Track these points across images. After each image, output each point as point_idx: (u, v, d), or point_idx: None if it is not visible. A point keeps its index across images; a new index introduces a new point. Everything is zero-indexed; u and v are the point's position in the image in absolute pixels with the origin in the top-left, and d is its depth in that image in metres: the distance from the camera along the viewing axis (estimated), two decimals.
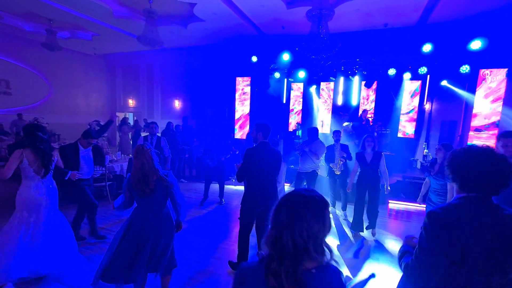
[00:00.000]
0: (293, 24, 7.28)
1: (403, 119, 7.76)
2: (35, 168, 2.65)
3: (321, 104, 8.66)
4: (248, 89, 8.59)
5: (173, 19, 7.79)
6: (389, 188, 4.05)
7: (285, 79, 8.50)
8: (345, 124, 7.24)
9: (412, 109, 7.58)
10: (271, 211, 0.94)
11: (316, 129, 4.67)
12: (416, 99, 7.50)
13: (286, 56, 6.84)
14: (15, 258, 2.50)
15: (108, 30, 8.57)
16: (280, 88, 8.67)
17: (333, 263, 0.91)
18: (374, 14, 6.58)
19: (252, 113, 8.75)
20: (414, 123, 7.55)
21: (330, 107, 8.56)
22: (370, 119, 7.52)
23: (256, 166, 2.89)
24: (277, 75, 7.44)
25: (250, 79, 8.39)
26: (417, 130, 7.47)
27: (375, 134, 6.77)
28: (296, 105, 9.03)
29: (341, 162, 4.71)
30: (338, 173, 4.79)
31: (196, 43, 9.65)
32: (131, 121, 10.79)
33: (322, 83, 8.39)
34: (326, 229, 0.88)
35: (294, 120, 9.01)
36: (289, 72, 7.43)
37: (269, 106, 8.62)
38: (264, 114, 8.48)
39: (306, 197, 0.89)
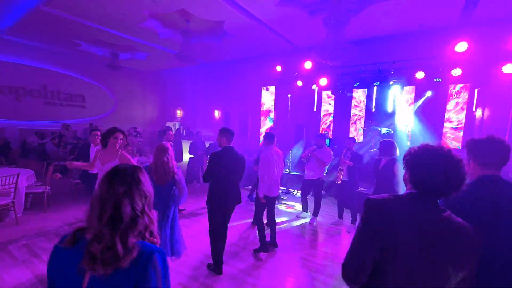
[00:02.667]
0: (318, 31, 7.26)
1: (448, 127, 6.87)
2: None
3: (356, 112, 8.27)
4: (271, 98, 8.76)
5: (208, 36, 8.55)
6: None
7: (316, 87, 8.41)
8: (384, 130, 6.74)
9: (458, 117, 6.66)
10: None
11: (324, 136, 4.58)
12: (461, 104, 6.58)
13: (308, 64, 6.82)
14: None
15: (157, 50, 9.82)
16: (311, 96, 8.60)
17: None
18: (403, 16, 6.15)
19: (280, 122, 8.85)
20: (461, 133, 6.61)
21: (363, 114, 8.11)
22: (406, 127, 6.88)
23: (220, 169, 3.08)
24: (299, 83, 7.44)
25: (275, 88, 8.56)
26: (464, 141, 6.51)
27: (408, 143, 6.17)
28: (327, 113, 8.82)
29: (341, 172, 4.47)
30: (338, 182, 4.54)
31: (231, 57, 10.34)
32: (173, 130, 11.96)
33: (355, 89, 8.04)
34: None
35: (328, 128, 8.80)
36: (313, 80, 7.36)
37: (298, 115, 8.62)
38: (293, 122, 8.50)
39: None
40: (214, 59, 10.78)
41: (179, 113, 13.35)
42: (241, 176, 3.31)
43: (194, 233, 4.33)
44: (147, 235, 0.96)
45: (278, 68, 7.46)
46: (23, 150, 8.48)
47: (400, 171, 3.62)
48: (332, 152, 4.54)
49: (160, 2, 6.38)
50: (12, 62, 9.50)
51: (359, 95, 8.14)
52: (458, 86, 6.50)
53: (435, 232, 1.02)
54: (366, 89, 7.89)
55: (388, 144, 3.76)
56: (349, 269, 1.11)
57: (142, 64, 12.04)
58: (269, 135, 3.72)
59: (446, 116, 6.83)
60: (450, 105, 6.80)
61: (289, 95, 8.11)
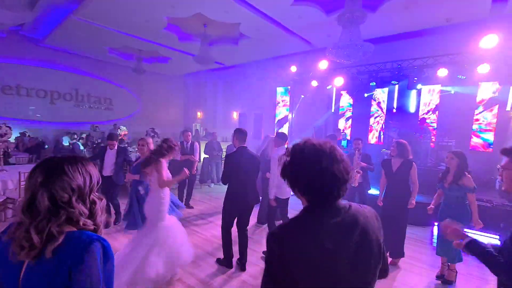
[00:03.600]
0: (334, 29, 7.08)
1: (477, 128, 6.34)
2: None
3: (375, 112, 7.94)
4: (287, 98, 8.67)
5: (225, 39, 8.69)
6: (413, 202, 3.47)
7: (334, 88, 8.21)
8: None
9: (487, 117, 6.12)
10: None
11: (333, 136, 4.44)
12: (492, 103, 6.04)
13: (324, 64, 6.67)
14: None
15: (178, 54, 10.16)
16: (328, 96, 8.41)
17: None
18: (426, 10, 5.79)
19: (296, 123, 8.72)
20: (492, 134, 6.07)
21: (383, 115, 7.75)
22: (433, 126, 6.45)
23: (235, 169, 3.11)
24: (314, 83, 7.28)
25: (290, 88, 8.46)
26: (496, 143, 5.96)
27: (431, 144, 5.79)
28: (346, 113, 8.55)
29: (358, 174, 4.29)
30: (355, 185, 4.36)
31: (247, 59, 10.43)
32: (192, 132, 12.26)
33: (375, 89, 7.73)
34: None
35: (344, 129, 8.53)
36: (329, 80, 7.17)
37: (315, 115, 8.45)
38: (310, 123, 8.34)
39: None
40: (231, 61, 10.93)
41: (199, 114, 13.68)
42: (257, 176, 3.34)
43: (205, 235, 4.39)
44: (81, 225, 0.93)
45: (293, 68, 7.38)
46: (55, 149, 9.16)
47: (416, 173, 3.41)
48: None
49: (178, 7, 6.60)
50: (48, 68, 10.34)
51: (379, 95, 7.80)
52: (488, 84, 5.99)
53: (342, 237, 0.88)
54: (386, 89, 7.55)
55: (404, 145, 3.55)
56: None
57: (165, 68, 12.53)
58: (282, 135, 3.67)
59: (474, 116, 6.32)
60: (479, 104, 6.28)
61: (302, 96, 7.96)
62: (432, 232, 4.51)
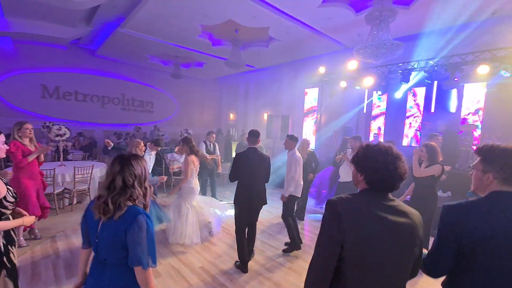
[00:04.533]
0: (364, 29, 6.89)
1: None
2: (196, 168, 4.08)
3: (411, 113, 7.52)
4: (316, 99, 8.58)
5: (256, 43, 8.96)
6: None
7: (365, 89, 7.96)
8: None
9: None
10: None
11: (359, 137, 4.37)
12: None
13: (353, 64, 6.53)
14: None
15: (211, 58, 10.69)
16: (360, 96, 8.18)
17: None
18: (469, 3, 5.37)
19: (326, 124, 8.61)
20: None
21: (420, 115, 7.31)
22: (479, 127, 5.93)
23: (244, 168, 3.23)
24: (343, 84, 7.13)
25: (318, 89, 8.37)
26: None
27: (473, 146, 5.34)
28: (378, 113, 8.22)
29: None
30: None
31: (277, 61, 10.57)
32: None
33: (411, 89, 7.34)
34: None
35: (377, 129, 8.22)
36: (359, 80, 6.98)
37: (345, 116, 8.27)
38: (339, 124, 8.20)
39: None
40: (262, 64, 11.17)
41: (231, 116, 14.16)
42: (266, 177, 3.38)
43: (230, 228, 4.65)
44: (137, 202, 1.39)
45: (322, 69, 7.32)
46: (105, 148, 10.25)
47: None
48: None
49: (211, 15, 7.01)
50: (100, 76, 11.64)
51: (414, 95, 7.38)
52: None
53: (386, 218, 1.08)
54: (423, 88, 7.12)
55: (434, 149, 3.36)
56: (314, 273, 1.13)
57: (200, 72, 13.23)
58: (294, 137, 3.77)
59: None
60: None
61: (333, 96, 7.84)
62: None
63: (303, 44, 8.40)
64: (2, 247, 1.79)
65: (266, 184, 3.43)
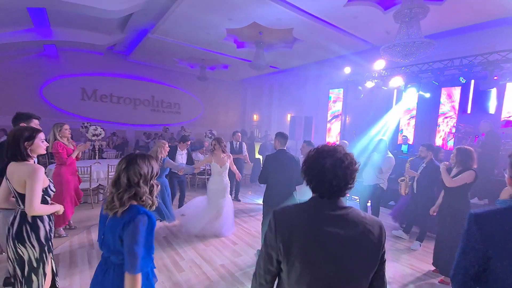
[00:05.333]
0: (392, 27, 6.62)
1: None
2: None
3: (444, 114, 7.07)
4: (341, 100, 8.40)
5: (280, 44, 8.97)
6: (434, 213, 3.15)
7: (395, 89, 7.63)
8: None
9: None
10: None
11: (383, 141, 4.21)
12: None
13: (380, 64, 6.30)
14: None
15: (236, 61, 10.89)
16: (389, 97, 7.86)
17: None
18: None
19: (352, 126, 8.38)
20: None
21: (455, 116, 6.86)
22: None
23: (274, 170, 3.26)
24: (370, 84, 6.89)
25: (343, 90, 8.17)
26: None
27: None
28: (408, 115, 7.84)
29: (401, 182, 3.97)
30: (402, 193, 4.03)
31: (301, 62, 10.49)
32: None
33: (444, 88, 6.91)
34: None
35: (407, 132, 7.83)
36: (385, 80, 6.71)
37: (372, 118, 7.99)
38: (367, 126, 7.94)
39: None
40: (286, 65, 11.15)
41: (255, 117, 14.28)
42: (298, 179, 3.32)
43: (247, 228, 4.73)
44: (144, 200, 1.42)
45: (347, 70, 7.14)
46: (136, 147, 10.86)
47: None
48: (393, 159, 4.12)
49: (235, 19, 7.16)
50: (132, 79, 12.35)
51: (447, 95, 6.93)
52: None
53: (334, 232, 0.97)
54: (459, 88, 6.67)
55: (468, 153, 3.12)
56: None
57: (225, 74, 13.52)
58: (309, 143, 3.76)
59: None
60: None
61: (361, 96, 7.61)
62: None
63: (328, 44, 8.27)
64: (46, 231, 2.01)
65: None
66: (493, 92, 6.03)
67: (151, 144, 10.56)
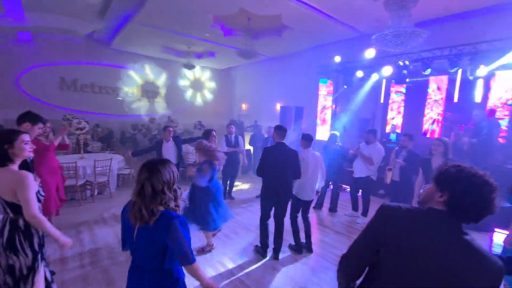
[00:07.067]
0: (382, 14, 6.56)
1: None
2: None
3: (431, 103, 7.20)
4: (331, 89, 8.37)
5: (268, 32, 8.73)
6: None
7: (383, 79, 7.66)
8: None
9: None
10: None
11: (373, 131, 4.25)
12: None
13: (371, 53, 6.27)
14: None
15: (223, 48, 10.58)
16: (376, 86, 7.90)
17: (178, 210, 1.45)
18: None
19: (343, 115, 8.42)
20: None
21: (441, 106, 7.00)
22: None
23: (272, 163, 3.23)
24: (360, 73, 6.88)
25: (333, 80, 8.14)
26: None
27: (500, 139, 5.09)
28: (398, 104, 7.93)
29: (389, 172, 4.05)
30: (386, 182, 4.13)
31: (290, 50, 10.34)
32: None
33: (431, 78, 7.00)
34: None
35: (396, 121, 7.96)
36: (375, 69, 6.71)
37: (362, 108, 8.06)
38: (356, 116, 8.01)
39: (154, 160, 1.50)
40: (275, 53, 10.95)
41: (244, 107, 14.09)
42: (294, 171, 3.32)
43: (244, 221, 4.73)
44: (169, 206, 1.44)
45: (337, 58, 7.08)
46: (121, 139, 10.54)
47: None
48: (383, 149, 4.18)
49: (222, 5, 6.87)
50: (115, 68, 11.80)
51: (436, 84, 7.04)
52: None
53: (451, 254, 0.95)
54: (445, 77, 6.77)
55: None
56: (346, 264, 1.17)
57: (213, 62, 13.15)
58: (307, 137, 3.67)
59: None
60: None
61: (345, 86, 7.62)
62: (491, 239, 4.06)
63: (317, 31, 8.13)
64: (40, 237, 1.95)
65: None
66: (480, 81, 6.15)
67: (138, 135, 10.27)
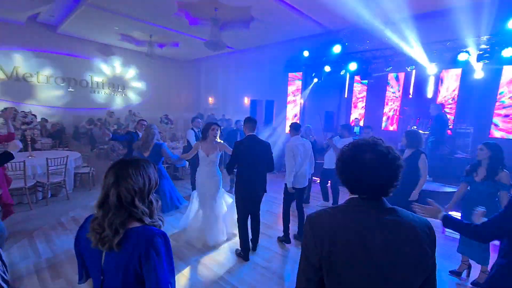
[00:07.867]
0: (349, 12, 6.83)
1: (500, 114, 6.11)
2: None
3: (390, 98, 7.76)
4: (299, 83, 8.58)
5: (236, 23, 8.55)
6: (416, 195, 3.25)
7: (347, 73, 8.03)
8: None
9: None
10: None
11: (347, 126, 4.46)
12: None
13: (338, 48, 6.51)
14: None
15: (189, 38, 10.12)
16: (341, 81, 8.25)
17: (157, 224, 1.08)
18: None
19: (310, 109, 8.67)
20: None
21: (398, 101, 7.58)
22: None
23: (244, 157, 3.13)
24: (327, 68, 7.14)
25: (301, 74, 8.33)
26: None
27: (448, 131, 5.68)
28: (360, 99, 8.41)
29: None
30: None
31: (259, 43, 10.30)
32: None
33: (390, 74, 7.52)
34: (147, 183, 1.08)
35: (359, 115, 8.43)
36: (341, 65, 7.01)
37: (328, 101, 8.36)
38: (322, 109, 8.29)
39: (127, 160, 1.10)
40: (242, 45, 10.80)
41: (210, 100, 13.75)
42: (269, 165, 3.25)
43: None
44: (145, 221, 1.05)
45: (306, 53, 7.23)
46: (75, 134, 9.56)
47: (425, 164, 3.33)
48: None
49: None
50: (65, 55, 10.57)
51: (394, 80, 7.59)
52: None
53: (382, 238, 0.86)
54: (402, 74, 7.34)
55: (414, 135, 3.41)
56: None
57: (177, 53, 12.52)
58: (295, 125, 3.64)
59: (497, 103, 6.07)
60: (504, 90, 6.00)
61: (315, 80, 7.84)
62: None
63: (286, 25, 8.18)
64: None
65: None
66: (431, 79, 6.78)
67: (94, 130, 9.40)
